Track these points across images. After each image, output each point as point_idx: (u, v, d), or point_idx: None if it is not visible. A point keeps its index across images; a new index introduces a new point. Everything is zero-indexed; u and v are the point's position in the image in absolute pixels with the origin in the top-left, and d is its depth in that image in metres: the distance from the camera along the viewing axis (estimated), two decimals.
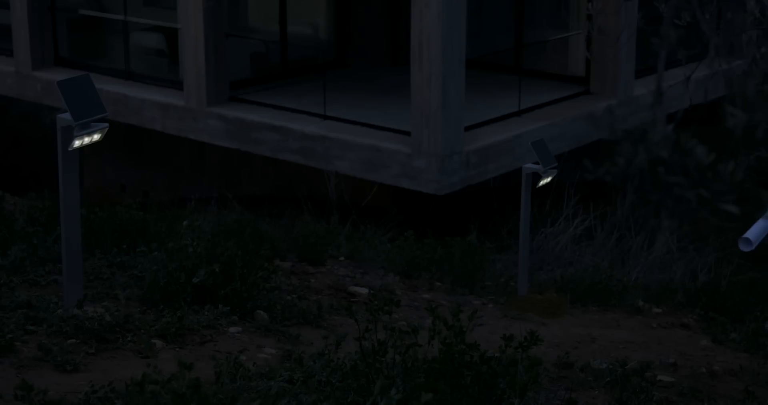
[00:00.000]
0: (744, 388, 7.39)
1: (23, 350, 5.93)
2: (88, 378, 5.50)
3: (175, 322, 6.58)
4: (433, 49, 12.91)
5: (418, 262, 10.37)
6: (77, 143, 6.58)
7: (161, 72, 16.80)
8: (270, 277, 7.76)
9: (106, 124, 6.67)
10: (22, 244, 7.81)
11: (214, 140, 15.26)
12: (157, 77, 16.51)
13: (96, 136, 6.66)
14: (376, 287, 9.12)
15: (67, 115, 6.53)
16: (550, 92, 15.51)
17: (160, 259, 7.36)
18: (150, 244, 8.02)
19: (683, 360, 8.49)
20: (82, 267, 7.00)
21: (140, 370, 4.80)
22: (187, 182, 16.31)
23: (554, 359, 7.58)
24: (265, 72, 16.73)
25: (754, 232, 9.87)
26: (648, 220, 9.19)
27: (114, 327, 6.39)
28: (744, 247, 9.98)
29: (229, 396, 4.47)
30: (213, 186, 15.61)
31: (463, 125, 13.46)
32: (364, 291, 8.95)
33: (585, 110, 14.99)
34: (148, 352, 6.19)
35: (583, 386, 6.99)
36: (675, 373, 8.07)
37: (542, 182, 9.57)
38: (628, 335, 9.17)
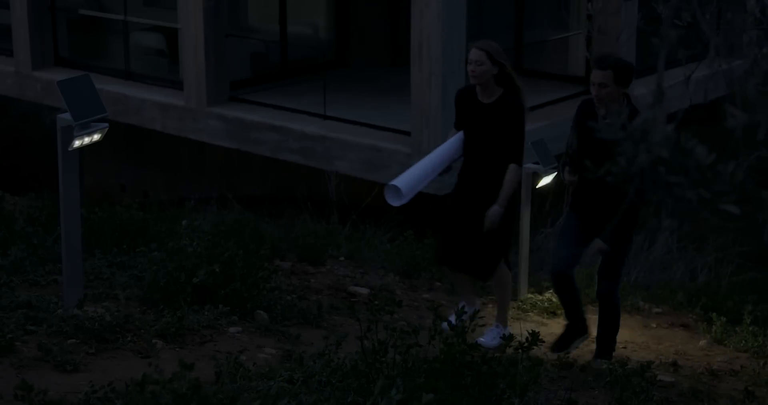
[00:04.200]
0: (744, 388, 7.39)
1: (23, 350, 5.92)
2: (88, 378, 5.49)
3: (175, 322, 6.58)
4: (433, 49, 12.91)
5: (418, 262, 10.37)
6: (77, 143, 6.57)
7: (161, 72, 16.81)
8: (270, 277, 7.75)
9: (106, 124, 6.66)
10: (22, 244, 7.79)
11: (214, 140, 15.26)
12: (157, 77, 16.51)
13: (96, 136, 6.66)
14: (376, 287, 9.11)
15: (67, 115, 6.52)
16: (550, 92, 15.50)
17: (160, 259, 7.35)
18: (150, 244, 8.01)
19: (683, 360, 8.49)
20: (82, 267, 6.99)
21: (140, 370, 4.79)
22: (187, 182, 16.30)
23: (554, 359, 7.58)
24: (265, 72, 16.73)
25: (406, 181, 7.62)
26: (648, 220, 9.14)
27: (114, 327, 6.38)
28: (393, 201, 7.55)
29: (229, 396, 4.47)
30: (213, 186, 15.61)
31: None
32: (364, 291, 8.95)
33: None
34: (148, 352, 6.18)
35: (583, 386, 6.98)
36: (675, 373, 8.06)
37: (542, 182, 9.56)
38: (628, 335, 9.16)
